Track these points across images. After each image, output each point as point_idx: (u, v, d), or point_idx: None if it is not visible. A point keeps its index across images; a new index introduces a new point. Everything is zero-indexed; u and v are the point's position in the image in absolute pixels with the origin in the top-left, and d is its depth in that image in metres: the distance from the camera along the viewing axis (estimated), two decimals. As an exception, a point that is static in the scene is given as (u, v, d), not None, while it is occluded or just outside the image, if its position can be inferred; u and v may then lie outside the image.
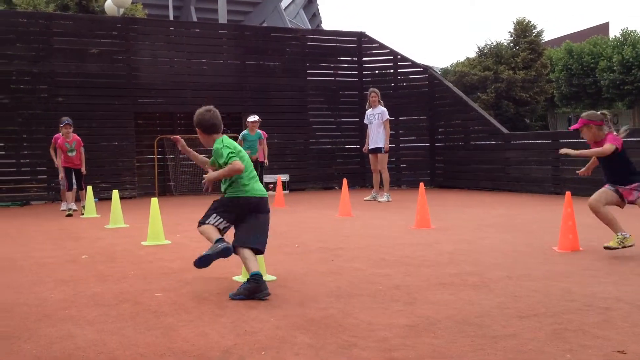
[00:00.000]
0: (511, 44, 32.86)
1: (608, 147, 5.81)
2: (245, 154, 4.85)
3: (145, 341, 3.47)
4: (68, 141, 10.85)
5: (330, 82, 17.10)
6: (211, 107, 5.06)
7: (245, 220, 4.69)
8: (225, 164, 4.64)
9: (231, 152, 4.67)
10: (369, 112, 12.61)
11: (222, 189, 4.79)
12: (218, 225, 4.65)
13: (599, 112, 6.08)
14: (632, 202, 5.89)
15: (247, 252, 4.56)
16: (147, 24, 16.44)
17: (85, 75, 14.35)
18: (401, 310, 4.01)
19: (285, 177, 15.28)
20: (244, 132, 12.39)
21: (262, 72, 16.18)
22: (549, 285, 4.66)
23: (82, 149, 11.10)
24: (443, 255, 6.05)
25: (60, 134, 10.96)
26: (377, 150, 12.41)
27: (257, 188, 4.75)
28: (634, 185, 5.84)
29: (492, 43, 33.13)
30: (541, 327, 3.60)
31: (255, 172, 4.89)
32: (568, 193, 6.27)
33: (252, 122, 12.22)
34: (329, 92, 16.96)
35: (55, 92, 14.08)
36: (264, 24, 38.61)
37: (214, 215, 4.69)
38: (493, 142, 15.27)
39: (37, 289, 4.86)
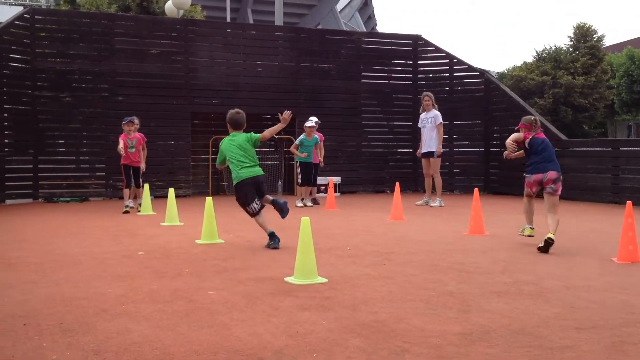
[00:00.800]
0: (570, 49, 32.13)
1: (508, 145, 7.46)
2: (229, 153, 6.98)
3: (200, 338, 3.52)
4: (129, 138, 11.18)
5: (384, 85, 17.03)
6: (239, 109, 7.23)
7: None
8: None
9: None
10: (422, 115, 12.54)
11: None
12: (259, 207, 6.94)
13: (532, 118, 7.56)
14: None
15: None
16: (205, 25, 16.68)
17: (144, 75, 14.66)
18: (455, 318, 3.96)
19: (337, 179, 15.29)
20: (302, 136, 12.49)
21: (317, 74, 16.22)
22: (608, 297, 4.54)
23: (145, 147, 11.54)
24: (498, 262, 5.95)
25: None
26: (429, 155, 12.32)
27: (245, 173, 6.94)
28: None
29: (550, 47, 32.45)
30: (600, 339, 3.51)
31: (243, 161, 6.94)
32: (629, 203, 6.12)
33: (310, 127, 12.31)
34: (382, 95, 16.89)
35: (115, 91, 14.42)
36: (319, 27, 38.77)
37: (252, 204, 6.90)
38: (550, 149, 14.93)
39: (96, 284, 4.98)
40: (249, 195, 6.89)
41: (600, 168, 13.40)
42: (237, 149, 6.94)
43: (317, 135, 12.54)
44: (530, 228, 7.32)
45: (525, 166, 7.30)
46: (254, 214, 6.91)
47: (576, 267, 5.73)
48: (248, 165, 6.92)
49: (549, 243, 6.41)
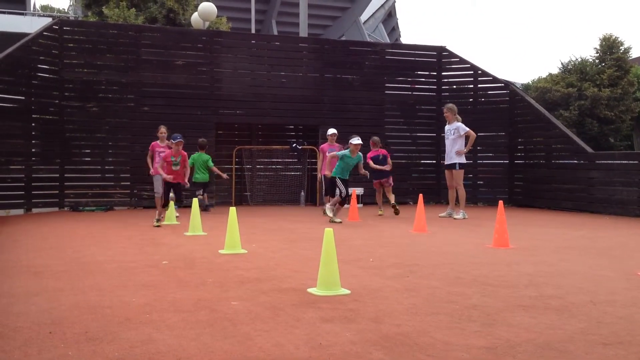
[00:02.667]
0: (596, 61, 31.78)
1: (370, 163, 12.66)
2: (196, 162, 13.22)
3: (223, 348, 3.53)
4: (174, 155, 10.69)
5: (408, 96, 17.01)
6: (204, 138, 13.65)
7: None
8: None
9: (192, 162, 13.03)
10: (446, 127, 12.56)
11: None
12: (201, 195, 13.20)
13: (376, 138, 13.07)
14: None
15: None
16: (231, 37, 16.83)
17: (170, 85, 14.81)
18: (479, 331, 3.92)
19: (359, 190, 15.27)
20: (345, 152, 11.29)
21: (340, 85, 16.26)
22: (635, 312, 4.47)
23: (186, 165, 11.66)
24: (522, 276, 5.89)
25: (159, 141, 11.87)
26: (451, 167, 12.29)
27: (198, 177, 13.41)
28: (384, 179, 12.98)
29: (576, 59, 32.13)
30: (626, 355, 3.46)
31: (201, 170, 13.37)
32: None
33: (356, 144, 11.15)
34: (406, 106, 16.87)
35: (141, 101, 14.58)
36: (343, 38, 38.87)
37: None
38: (576, 162, 14.81)
39: (120, 293, 5.02)
40: (197, 187, 13.27)
41: (627, 181, 13.23)
42: (200, 163, 13.26)
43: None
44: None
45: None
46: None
47: (602, 281, 5.65)
48: (201, 173, 13.32)
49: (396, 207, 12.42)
